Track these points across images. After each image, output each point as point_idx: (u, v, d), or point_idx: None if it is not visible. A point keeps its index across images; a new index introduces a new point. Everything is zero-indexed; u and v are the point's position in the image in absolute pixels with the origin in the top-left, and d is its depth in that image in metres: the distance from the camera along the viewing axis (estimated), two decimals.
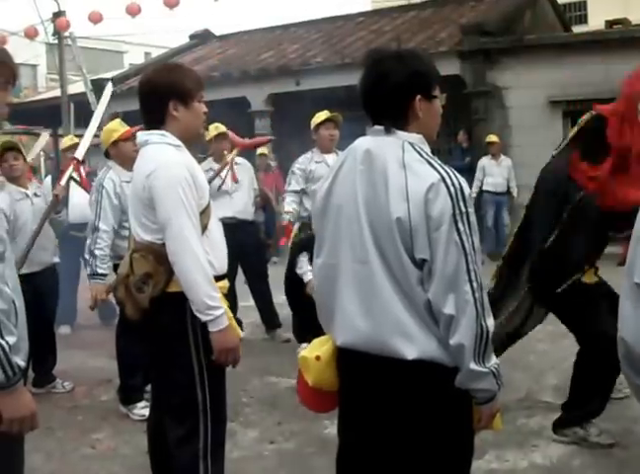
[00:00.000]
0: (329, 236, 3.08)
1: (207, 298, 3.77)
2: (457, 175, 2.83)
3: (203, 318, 3.80)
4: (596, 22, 20.19)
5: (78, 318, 10.37)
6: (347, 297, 2.99)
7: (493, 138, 15.76)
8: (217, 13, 38.11)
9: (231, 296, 8.74)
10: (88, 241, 6.67)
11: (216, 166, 8.89)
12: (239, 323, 8.99)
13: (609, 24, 17.11)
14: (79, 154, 7.68)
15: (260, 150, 15.27)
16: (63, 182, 7.48)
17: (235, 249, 8.30)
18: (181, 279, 3.81)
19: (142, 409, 6.15)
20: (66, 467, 5.73)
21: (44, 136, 8.44)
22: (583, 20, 25.59)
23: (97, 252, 6.46)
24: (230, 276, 8.28)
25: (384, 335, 2.87)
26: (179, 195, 3.79)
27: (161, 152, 3.93)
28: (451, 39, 17.44)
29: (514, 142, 16.28)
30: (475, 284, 2.77)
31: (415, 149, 2.89)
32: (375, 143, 2.98)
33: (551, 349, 8.10)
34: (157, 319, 3.99)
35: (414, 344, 2.83)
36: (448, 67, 16.39)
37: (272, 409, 6.61)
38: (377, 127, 3.01)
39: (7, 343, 2.71)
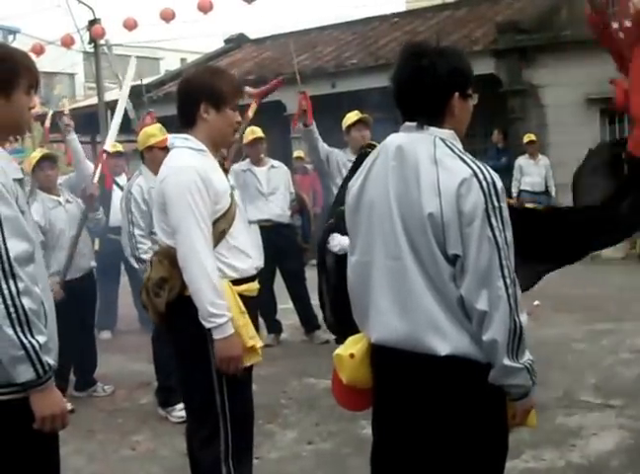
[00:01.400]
0: (362, 233, 3.09)
1: (211, 306, 3.79)
2: (490, 170, 2.82)
3: (206, 325, 3.83)
4: None
5: (118, 323, 10.51)
6: (380, 294, 2.99)
7: (531, 137, 15.62)
8: (252, 16, 38.12)
9: (270, 298, 8.86)
10: (128, 249, 6.77)
11: (254, 167, 8.93)
12: (278, 325, 9.13)
13: None
14: (107, 145, 7.75)
15: (296, 153, 15.30)
16: (95, 179, 7.55)
17: (272, 252, 8.47)
18: (187, 284, 3.86)
19: (181, 411, 6.14)
20: (107, 468, 5.82)
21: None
22: None
23: (143, 256, 6.50)
24: (268, 278, 8.40)
25: (417, 331, 2.88)
26: (187, 201, 3.82)
27: (177, 157, 3.98)
28: (486, 38, 17.35)
29: (551, 141, 16.16)
30: (508, 280, 2.76)
31: (446, 145, 2.89)
32: (407, 139, 2.98)
33: (589, 348, 8.07)
34: (175, 322, 4.05)
35: (446, 340, 2.83)
36: (484, 66, 16.30)
37: (310, 410, 6.64)
38: (409, 124, 3.01)
39: (38, 342, 2.78)
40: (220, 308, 3.81)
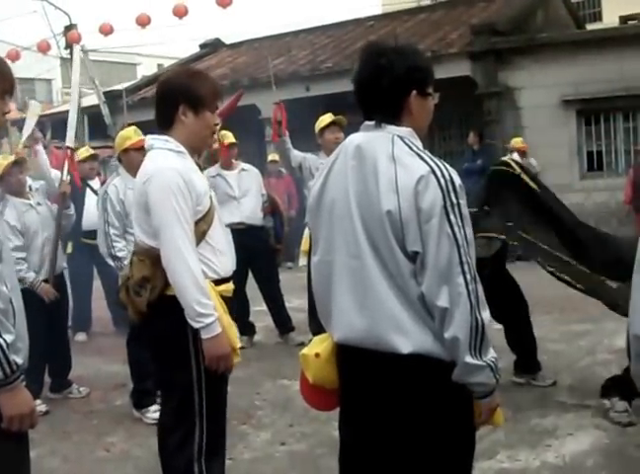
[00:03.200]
0: (323, 233, 3.07)
1: (198, 305, 3.78)
2: (448, 167, 2.81)
3: (195, 325, 3.82)
4: (611, 19, 20.05)
5: (93, 326, 10.52)
6: (341, 293, 2.98)
7: (518, 143, 15.56)
8: (228, 21, 38.15)
9: (242, 300, 8.83)
10: (103, 248, 6.80)
11: (224, 172, 8.92)
12: (252, 327, 9.13)
13: (623, 19, 16.96)
14: (69, 141, 7.71)
15: (271, 157, 15.30)
16: (65, 176, 7.52)
17: (244, 254, 8.43)
18: (173, 286, 3.84)
19: (155, 412, 6.14)
20: (82, 470, 5.81)
21: (35, 106, 8.28)
22: (597, 17, 25.41)
23: (119, 254, 6.61)
24: (240, 280, 8.37)
25: (379, 329, 2.85)
26: (171, 202, 3.81)
27: (159, 158, 3.95)
28: (462, 40, 17.43)
29: (527, 143, 16.18)
30: (469, 276, 2.74)
31: (405, 143, 2.88)
32: (366, 138, 2.97)
33: (565, 349, 8.08)
34: (156, 322, 4.01)
35: (408, 338, 2.81)
36: (459, 68, 16.44)
37: (283, 411, 6.63)
38: (368, 123, 3.01)
39: (5, 341, 2.73)
40: (207, 308, 3.80)
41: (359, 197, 2.89)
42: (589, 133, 16.24)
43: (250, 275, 9.17)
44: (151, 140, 4.09)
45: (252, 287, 9.20)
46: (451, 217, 2.73)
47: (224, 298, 4.05)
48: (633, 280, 2.32)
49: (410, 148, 2.87)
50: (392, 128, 2.93)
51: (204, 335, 3.82)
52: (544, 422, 5.99)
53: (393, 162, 2.82)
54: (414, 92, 2.94)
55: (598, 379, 6.76)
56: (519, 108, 16.57)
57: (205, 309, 3.79)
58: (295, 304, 9.72)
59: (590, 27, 22.36)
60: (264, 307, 9.44)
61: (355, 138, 3.02)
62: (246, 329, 9.10)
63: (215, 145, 8.53)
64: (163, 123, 4.04)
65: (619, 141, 16.17)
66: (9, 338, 2.76)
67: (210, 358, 3.87)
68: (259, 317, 9.53)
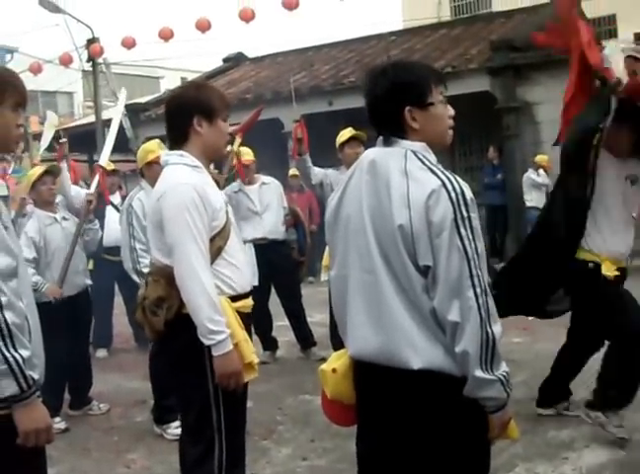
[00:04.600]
0: (340, 247, 3.12)
1: (209, 322, 3.79)
2: (459, 180, 2.85)
3: (206, 342, 3.83)
4: (626, 36, 19.98)
5: (114, 341, 10.52)
6: (356, 308, 3.02)
7: (545, 162, 15.63)
8: (251, 35, 38.27)
9: (265, 315, 8.88)
10: (129, 264, 6.73)
11: (245, 187, 8.98)
12: (274, 342, 9.14)
13: (638, 36, 16.96)
14: (102, 161, 7.77)
15: (292, 171, 15.36)
16: (93, 189, 7.54)
17: (267, 269, 8.50)
18: (186, 303, 3.86)
19: (176, 429, 6.11)
20: None
21: (53, 118, 8.36)
22: (613, 34, 25.34)
23: (145, 270, 6.43)
24: (262, 295, 8.43)
25: (391, 345, 2.89)
26: (185, 218, 3.82)
27: (173, 174, 3.98)
28: (481, 56, 17.45)
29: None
30: (479, 290, 2.76)
31: (417, 157, 2.93)
32: (380, 153, 3.03)
33: None
34: (173, 340, 4.04)
35: (419, 354, 2.84)
36: (479, 84, 16.48)
37: (305, 426, 6.63)
38: (381, 138, 3.08)
39: (21, 356, 2.77)
40: (219, 325, 3.81)
41: (372, 212, 2.94)
42: None
43: (272, 290, 9.17)
44: (166, 156, 4.13)
45: (274, 302, 9.20)
46: (462, 231, 2.77)
47: (242, 314, 4.06)
48: None
49: (422, 163, 2.91)
50: (406, 143, 2.98)
51: (215, 352, 3.83)
52: (561, 434, 6.00)
53: (405, 177, 2.86)
54: (407, 108, 2.98)
55: None
56: (537, 122, 16.54)
57: (217, 326, 3.80)
58: (317, 319, 9.74)
59: (605, 43, 22.31)
60: (286, 322, 9.43)
61: (370, 153, 3.08)
62: (269, 344, 9.14)
63: (234, 162, 8.59)
64: (178, 138, 4.08)
65: None
66: (25, 353, 2.79)
67: (221, 376, 3.88)
68: (281, 332, 9.52)
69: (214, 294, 3.85)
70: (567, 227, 5.65)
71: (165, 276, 3.96)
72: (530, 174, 15.71)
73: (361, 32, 42.52)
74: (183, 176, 3.94)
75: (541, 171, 15.65)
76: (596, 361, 7.95)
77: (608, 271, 5.60)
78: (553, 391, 6.51)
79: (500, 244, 16.55)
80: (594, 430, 5.91)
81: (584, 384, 7.28)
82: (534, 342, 8.87)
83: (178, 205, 3.85)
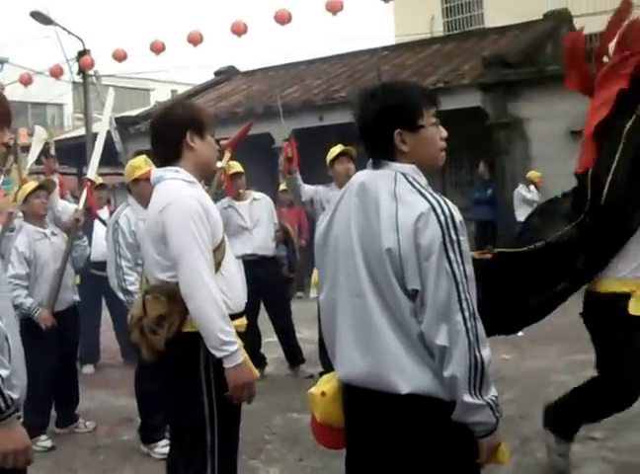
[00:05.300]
0: (329, 270, 3.10)
1: (222, 333, 3.73)
2: (449, 203, 2.83)
3: (218, 354, 3.76)
4: None
5: (102, 357, 10.46)
6: (344, 331, 3.00)
7: (537, 178, 15.84)
8: (242, 49, 38.30)
9: (254, 332, 8.84)
10: (114, 281, 6.69)
11: (235, 203, 8.98)
12: (262, 359, 9.10)
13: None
14: (90, 175, 7.72)
15: (282, 186, 15.38)
16: (81, 205, 7.49)
17: (256, 285, 8.46)
18: (194, 315, 3.78)
19: (164, 447, 6.10)
20: None
21: (40, 132, 8.32)
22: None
23: (130, 288, 6.51)
24: (252, 312, 8.39)
25: (379, 369, 2.88)
26: (191, 229, 3.78)
27: (175, 187, 3.93)
28: (473, 72, 17.48)
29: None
30: (467, 314, 2.75)
31: (407, 179, 2.92)
32: (370, 176, 3.02)
33: (571, 380, 8.03)
34: (170, 358, 3.97)
35: (407, 378, 2.83)
36: (470, 99, 16.52)
37: (293, 445, 6.58)
38: (371, 161, 3.07)
39: (0, 376, 2.72)
40: (230, 335, 3.76)
41: (361, 235, 2.93)
42: None
43: (261, 306, 9.15)
44: (160, 172, 4.07)
45: (262, 318, 9.17)
46: (450, 254, 2.75)
47: (238, 333, 3.97)
48: None
49: (412, 185, 2.90)
50: (396, 166, 2.97)
51: (228, 364, 3.78)
52: None
53: (394, 199, 2.85)
54: (397, 131, 2.96)
55: None
56: (528, 138, 16.60)
57: (229, 337, 3.75)
58: (306, 335, 9.66)
59: None
60: (274, 338, 9.41)
61: (360, 176, 3.08)
62: (257, 361, 9.06)
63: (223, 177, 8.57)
64: (170, 156, 4.05)
65: None
66: (4, 373, 2.74)
67: (235, 387, 3.83)
68: (270, 349, 9.49)
69: (223, 305, 3.81)
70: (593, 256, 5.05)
71: (165, 292, 3.91)
72: (521, 189, 15.74)
73: (354, 46, 42.57)
74: (183, 188, 3.92)
75: (532, 187, 15.71)
76: (583, 380, 7.97)
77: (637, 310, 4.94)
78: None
79: None
80: (583, 449, 5.90)
81: None
82: (523, 359, 8.87)
83: (183, 216, 3.81)
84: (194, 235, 3.79)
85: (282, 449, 6.56)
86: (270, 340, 9.52)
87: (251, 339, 8.55)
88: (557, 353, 9.17)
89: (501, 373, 7.85)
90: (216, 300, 3.77)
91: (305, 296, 13.33)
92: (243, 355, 3.87)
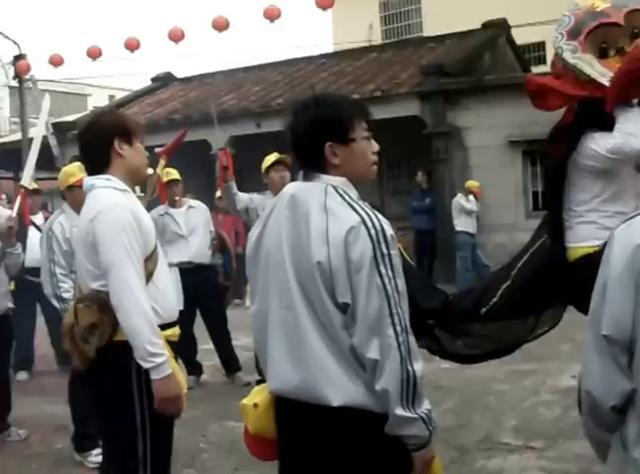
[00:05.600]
0: (260, 282, 3.07)
1: (149, 345, 3.70)
2: (380, 217, 2.82)
3: (145, 365, 3.73)
4: None
5: (37, 364, 10.31)
6: (276, 344, 2.97)
7: (475, 188, 15.98)
8: (180, 56, 38.23)
9: (190, 340, 8.78)
10: (48, 289, 6.62)
11: (171, 210, 8.91)
12: (199, 367, 9.04)
13: None
14: (24, 181, 7.58)
15: (218, 193, 15.32)
16: (14, 212, 7.35)
17: (192, 293, 8.43)
18: (123, 325, 3.74)
19: (97, 456, 5.99)
20: None
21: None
22: (542, 60, 25.85)
23: (65, 295, 6.43)
24: (187, 319, 8.34)
25: (310, 381, 2.85)
26: (121, 239, 3.74)
27: (106, 196, 3.89)
28: (412, 81, 17.58)
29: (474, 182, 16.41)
30: (399, 328, 2.73)
31: (338, 192, 2.89)
32: (301, 188, 2.99)
33: (510, 389, 8.11)
34: (102, 367, 3.90)
35: (339, 390, 2.80)
36: (409, 108, 16.62)
37: (229, 454, 6.52)
38: (302, 173, 3.05)
39: None
40: (158, 347, 3.73)
41: (292, 248, 2.90)
42: (534, 173, 16.44)
43: (198, 313, 9.10)
44: (92, 180, 4.02)
45: (198, 326, 9.13)
46: (381, 268, 2.73)
47: (170, 343, 3.96)
48: (585, 337, 2.35)
49: (342, 198, 2.87)
50: (327, 178, 2.94)
51: (155, 375, 3.73)
52: (490, 464, 5.99)
53: (325, 212, 2.83)
54: (328, 144, 2.94)
55: (541, 420, 6.83)
56: (466, 147, 16.76)
57: (157, 349, 3.71)
58: (243, 342, 9.60)
59: (535, 70, 22.70)
60: (211, 346, 9.36)
61: (290, 188, 3.04)
62: (193, 369, 9.04)
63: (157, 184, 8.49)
64: (99, 163, 4.00)
65: None
66: None
67: (161, 400, 3.79)
68: (206, 356, 9.44)
69: (152, 316, 3.77)
70: None
71: (97, 301, 3.85)
72: (459, 199, 15.84)
73: (292, 54, 42.68)
74: (114, 197, 3.88)
75: (471, 196, 15.82)
76: (523, 390, 8.03)
77: None
78: None
79: (428, 268, 16.60)
80: (522, 459, 5.96)
81: (513, 409, 7.31)
82: (463, 368, 8.85)
83: (113, 226, 3.77)
84: (124, 245, 3.75)
85: (218, 458, 6.51)
86: (206, 347, 9.46)
87: (187, 346, 8.57)
88: (497, 362, 9.12)
89: (440, 383, 7.87)
90: (145, 312, 3.74)
91: (242, 304, 13.30)
92: (172, 368, 3.83)
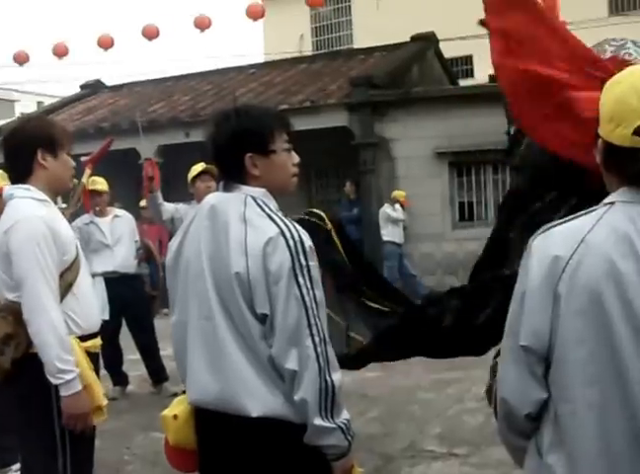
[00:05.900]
0: (180, 293, 3.07)
1: (58, 361, 3.66)
2: (298, 228, 2.85)
3: (54, 381, 3.69)
4: (481, 76, 20.72)
5: None
6: (195, 355, 2.98)
7: (402, 197, 16.14)
8: (110, 63, 37.89)
9: (115, 350, 8.71)
10: None
11: (97, 219, 8.82)
12: (125, 377, 8.96)
13: (493, 78, 17.53)
14: None
15: (143, 202, 15.23)
16: None
17: (118, 303, 8.37)
18: (33, 340, 3.72)
19: (17, 472, 5.87)
20: None
21: None
22: (469, 74, 26.21)
23: None
24: (113, 329, 8.28)
25: (229, 392, 2.86)
26: (34, 251, 3.70)
27: (21, 207, 3.84)
28: (340, 92, 17.64)
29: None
30: (317, 339, 2.76)
31: (257, 203, 2.91)
32: (220, 198, 3.01)
33: (435, 398, 8.19)
34: (19, 381, 3.87)
35: (258, 401, 2.82)
36: (337, 119, 16.69)
37: (154, 466, 6.45)
38: (222, 183, 3.07)
39: None
40: (68, 364, 3.69)
41: (211, 258, 2.91)
42: (460, 184, 16.67)
43: (123, 323, 9.02)
44: (11, 190, 3.98)
45: (124, 335, 9.05)
46: (300, 279, 2.76)
47: (91, 354, 3.95)
48: (502, 344, 2.38)
49: (262, 209, 2.90)
50: (246, 189, 2.96)
51: (64, 392, 3.70)
52: (414, 471, 6.05)
53: (244, 223, 2.85)
54: (249, 155, 2.96)
55: (465, 428, 6.91)
56: (393, 158, 16.87)
57: (66, 365, 3.68)
58: (170, 352, 9.35)
59: (462, 83, 23.02)
60: (137, 356, 9.29)
61: (211, 198, 3.06)
62: (119, 379, 8.97)
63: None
64: (21, 173, 3.96)
65: (489, 192, 16.62)
66: None
67: (68, 417, 3.75)
68: (132, 366, 9.36)
69: (63, 331, 3.73)
70: None
71: (13, 312, 3.80)
72: (386, 208, 15.96)
73: (222, 63, 42.58)
74: (32, 209, 3.83)
75: (398, 206, 15.97)
76: (447, 398, 8.10)
77: None
78: None
79: None
80: (445, 466, 6.02)
81: (437, 417, 7.39)
82: (389, 377, 8.95)
83: (27, 238, 3.72)
84: (37, 259, 3.71)
85: (143, 470, 6.48)
86: (132, 357, 9.38)
87: (112, 357, 8.50)
88: (422, 370, 9.28)
89: (365, 391, 7.92)
90: (55, 327, 3.70)
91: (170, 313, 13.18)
92: (89, 380, 3.81)
